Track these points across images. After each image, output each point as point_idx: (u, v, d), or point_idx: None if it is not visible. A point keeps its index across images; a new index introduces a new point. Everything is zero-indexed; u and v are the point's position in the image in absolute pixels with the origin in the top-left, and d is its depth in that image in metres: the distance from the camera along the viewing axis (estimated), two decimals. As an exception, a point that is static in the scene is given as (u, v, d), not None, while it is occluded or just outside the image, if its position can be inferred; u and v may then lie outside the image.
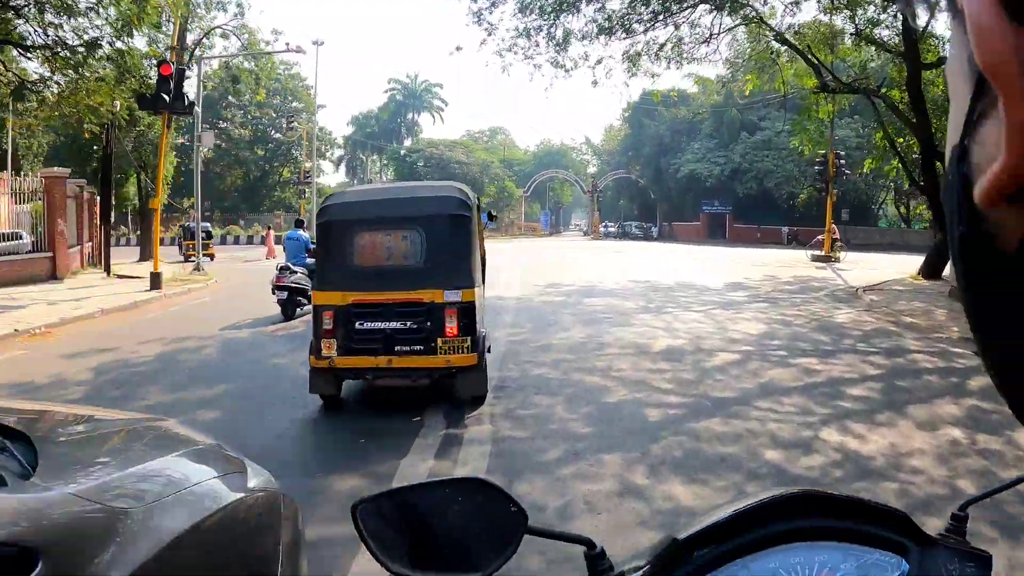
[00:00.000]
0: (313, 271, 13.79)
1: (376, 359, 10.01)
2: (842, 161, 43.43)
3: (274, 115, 78.85)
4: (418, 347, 10.00)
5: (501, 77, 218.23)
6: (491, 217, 15.75)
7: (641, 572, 1.45)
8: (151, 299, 23.15)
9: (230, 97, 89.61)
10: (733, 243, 71.27)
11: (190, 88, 36.31)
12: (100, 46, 23.07)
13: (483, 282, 11.56)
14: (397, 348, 9.98)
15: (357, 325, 10.09)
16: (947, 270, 28.16)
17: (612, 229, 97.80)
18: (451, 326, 9.91)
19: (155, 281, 24.78)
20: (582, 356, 13.82)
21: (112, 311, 20.65)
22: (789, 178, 70.34)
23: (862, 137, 63.94)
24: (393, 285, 10.22)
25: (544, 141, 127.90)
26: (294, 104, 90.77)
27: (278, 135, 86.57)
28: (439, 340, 9.90)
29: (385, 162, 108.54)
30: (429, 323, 9.95)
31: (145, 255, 37.97)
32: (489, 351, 11.06)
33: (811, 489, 1.55)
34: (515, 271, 31.20)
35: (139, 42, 27.05)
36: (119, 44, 24.17)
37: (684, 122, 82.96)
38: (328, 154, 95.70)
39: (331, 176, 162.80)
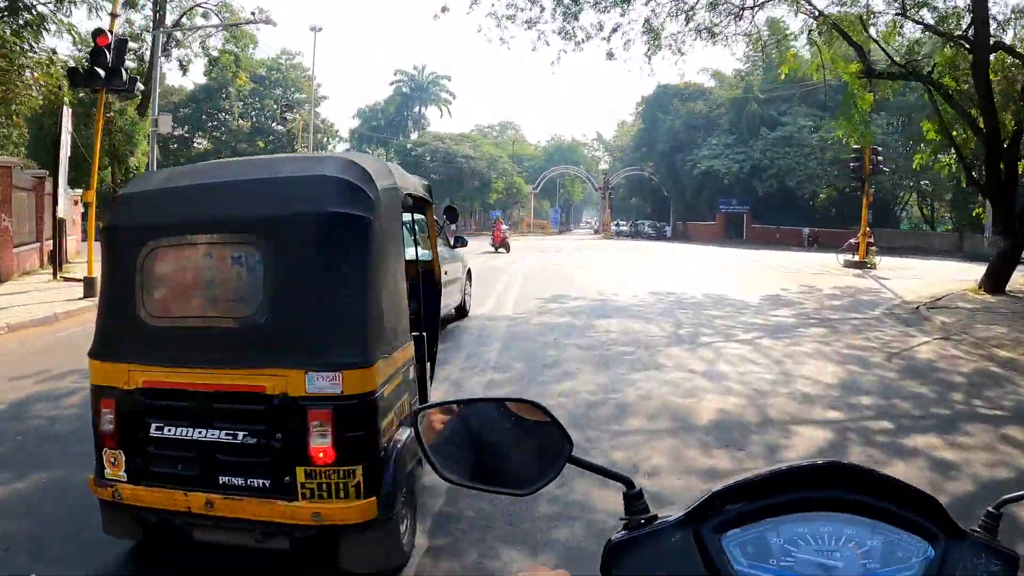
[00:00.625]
0: None
1: (187, 497, 5.12)
2: (879, 157, 39.26)
3: (275, 106, 75.12)
4: (259, 481, 5.07)
5: (511, 70, 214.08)
6: (451, 215, 11.15)
7: (675, 517, 1.49)
8: (79, 310, 18.51)
9: (231, 88, 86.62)
10: (751, 244, 67.61)
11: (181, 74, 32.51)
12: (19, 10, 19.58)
13: (436, 328, 8.30)
14: (223, 479, 5.10)
15: (153, 430, 5.20)
16: (1015, 282, 24.53)
17: (624, 228, 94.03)
18: (320, 445, 4.93)
19: (89, 288, 20.05)
20: (592, 437, 8.71)
21: (22, 327, 16.29)
22: (811, 176, 66.30)
23: (888, 134, 60.62)
24: (209, 356, 5.23)
25: (555, 136, 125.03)
26: (296, 95, 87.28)
27: (280, 127, 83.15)
28: (299, 470, 4.97)
29: (390, 156, 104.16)
30: (279, 435, 5.00)
31: (106, 256, 34.44)
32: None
33: (849, 463, 1.51)
34: (516, 278, 27.50)
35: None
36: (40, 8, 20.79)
37: (700, 117, 79.72)
38: (330, 147, 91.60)
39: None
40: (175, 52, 49.32)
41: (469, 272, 19.17)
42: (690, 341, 15.29)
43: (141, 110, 43.69)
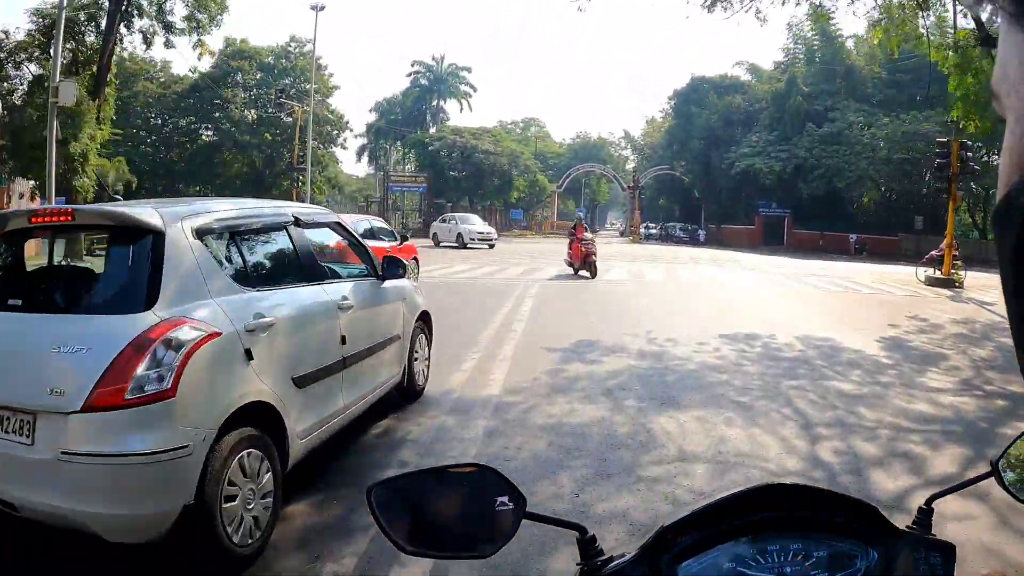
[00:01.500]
0: None
1: None
2: (968, 154, 32.01)
3: (298, 104, 68.26)
4: None
5: (536, 62, 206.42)
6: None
7: (630, 557, 1.53)
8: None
9: (239, 76, 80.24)
10: (793, 251, 60.22)
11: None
12: None
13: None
14: None
15: None
16: None
17: (654, 231, 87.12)
18: None
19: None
20: None
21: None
22: (862, 177, 59.31)
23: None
24: None
25: (580, 133, 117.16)
26: (307, 85, 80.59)
27: (289, 119, 76.39)
28: None
29: (406, 152, 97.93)
30: None
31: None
32: None
33: (787, 483, 1.57)
34: (524, 304, 19.75)
35: None
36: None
37: (739, 111, 72.88)
38: (340, 140, 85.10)
39: (353, 166, 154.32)
40: (137, 23, 42.22)
41: (425, 320, 10.56)
42: (851, 474, 7.48)
43: (95, 92, 37.40)
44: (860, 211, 63.11)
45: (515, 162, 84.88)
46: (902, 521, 1.62)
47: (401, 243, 20.16)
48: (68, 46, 37.03)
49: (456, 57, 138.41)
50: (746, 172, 66.48)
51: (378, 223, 21.36)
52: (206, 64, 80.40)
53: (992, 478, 1.71)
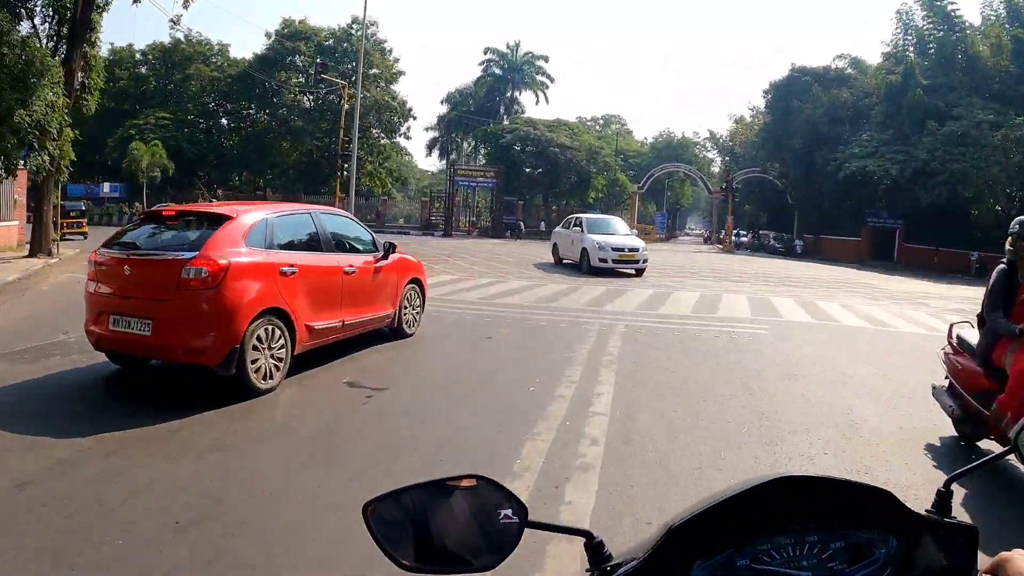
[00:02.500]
0: None
1: None
2: None
3: (344, 82, 60.81)
4: None
5: (618, 56, 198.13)
6: None
7: (639, 560, 1.49)
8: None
9: (297, 58, 73.22)
10: (903, 268, 51.70)
11: None
12: None
13: None
14: None
15: None
16: None
17: (744, 239, 77.69)
18: None
19: None
20: None
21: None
22: (993, 185, 49.93)
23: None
24: None
25: (663, 132, 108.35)
26: (371, 71, 73.50)
27: (347, 104, 69.24)
28: None
29: (476, 144, 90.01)
30: None
31: (36, 239, 29.16)
32: None
33: (797, 475, 1.52)
34: (599, 386, 10.18)
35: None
36: None
37: (845, 106, 63.71)
38: (404, 129, 77.65)
39: (424, 161, 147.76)
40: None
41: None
42: None
43: (70, 50, 30.24)
44: (978, 222, 53.93)
45: (594, 158, 76.62)
46: (921, 506, 1.58)
47: (385, 256, 11.61)
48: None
49: (532, 45, 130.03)
50: (855, 176, 57.17)
51: (341, 224, 11.52)
52: (261, 46, 75.22)
53: (1012, 455, 1.72)
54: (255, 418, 8.29)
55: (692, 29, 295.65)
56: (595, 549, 1.55)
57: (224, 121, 79.69)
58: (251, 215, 9.77)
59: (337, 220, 12.05)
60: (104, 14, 32.81)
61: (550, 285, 23.38)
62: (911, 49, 63.95)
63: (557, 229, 35.34)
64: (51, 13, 31.34)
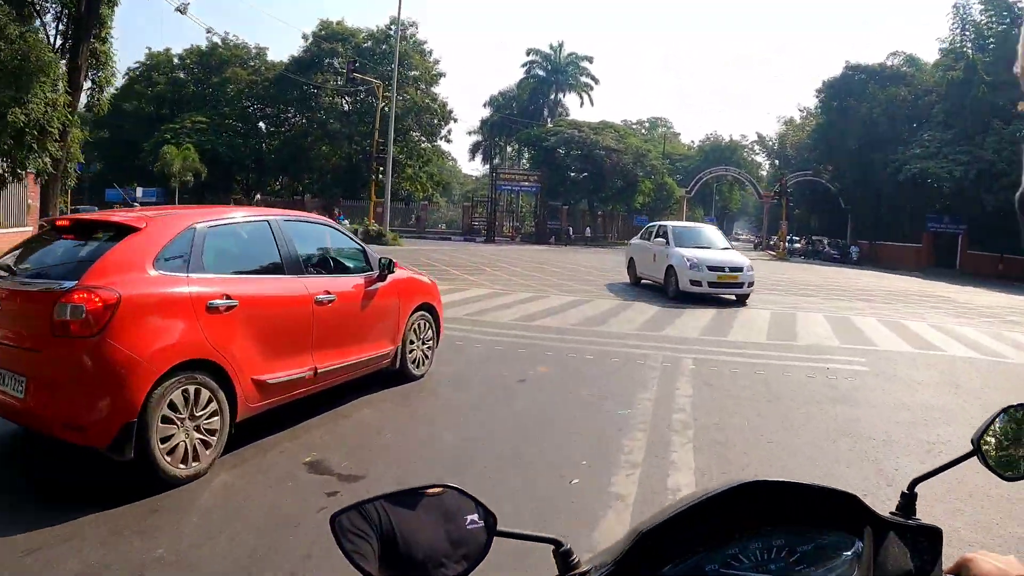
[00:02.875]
0: None
1: None
2: None
3: (378, 81, 58.13)
4: None
5: (662, 57, 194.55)
6: None
7: (607, 567, 1.47)
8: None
9: (334, 61, 70.89)
10: (969, 277, 48.07)
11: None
12: None
13: None
14: None
15: None
16: None
17: (797, 245, 73.89)
18: None
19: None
20: None
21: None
22: (1066, 187, 46.29)
23: None
24: None
25: (711, 135, 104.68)
26: (411, 72, 71.08)
27: (385, 107, 66.84)
28: None
29: (520, 148, 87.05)
30: None
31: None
32: None
33: (761, 479, 1.51)
34: (682, 438, 7.95)
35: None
36: None
37: (904, 105, 60.23)
38: (444, 132, 75.04)
39: (468, 166, 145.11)
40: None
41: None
42: None
43: (76, 45, 27.97)
44: (1042, 226, 50.23)
45: (641, 161, 73.31)
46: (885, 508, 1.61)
47: (381, 276, 8.44)
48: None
49: (576, 46, 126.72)
50: (915, 178, 53.77)
51: (314, 235, 8.27)
52: (297, 48, 73.50)
53: (974, 457, 1.74)
54: (153, 532, 5.33)
55: (735, 28, 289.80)
56: (564, 556, 1.50)
57: (262, 125, 78.13)
58: (169, 224, 6.82)
59: (310, 230, 9.01)
60: (115, 8, 30.45)
61: (596, 301, 20.50)
62: (969, 45, 60.40)
63: (634, 241, 27.71)
64: (60, 9, 28.90)
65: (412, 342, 9.94)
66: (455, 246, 51.22)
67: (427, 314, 10.35)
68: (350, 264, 9.14)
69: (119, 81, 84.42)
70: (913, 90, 61.42)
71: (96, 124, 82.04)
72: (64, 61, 27.42)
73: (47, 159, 25.28)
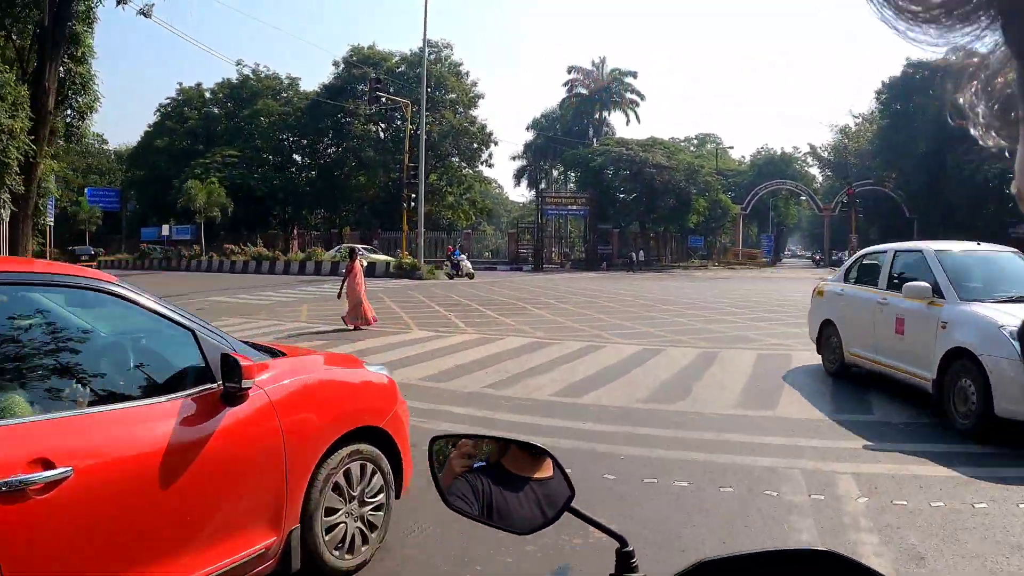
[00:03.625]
0: None
1: None
2: None
3: (406, 100, 53.22)
4: None
5: (709, 71, 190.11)
6: None
7: None
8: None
9: (366, 87, 66.79)
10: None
11: None
12: None
13: None
14: None
15: None
16: None
17: (859, 262, 67.75)
18: None
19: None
20: None
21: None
22: None
23: None
24: None
25: (763, 148, 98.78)
26: (448, 96, 66.77)
27: (430, 137, 62.59)
28: None
29: (566, 171, 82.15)
30: None
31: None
32: None
33: (845, 555, 1.33)
34: None
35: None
36: None
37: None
38: (484, 156, 70.30)
39: (514, 192, 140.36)
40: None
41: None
42: None
43: (41, 62, 23.71)
44: None
45: (693, 178, 67.78)
46: None
47: (230, 396, 3.85)
48: None
49: (618, 61, 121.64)
50: (997, 178, 48.16)
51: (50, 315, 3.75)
52: (328, 75, 70.05)
53: None
54: None
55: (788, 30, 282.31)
56: (625, 557, 1.51)
57: (297, 157, 74.67)
58: None
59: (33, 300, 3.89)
60: (94, 26, 26.27)
61: (669, 350, 15.32)
62: None
63: (832, 286, 13.42)
64: (23, 25, 24.68)
65: (333, 511, 4.76)
66: (498, 277, 46.21)
67: (369, 449, 5.08)
68: (149, 376, 4.20)
69: (151, 117, 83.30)
70: (988, 80, 55.73)
71: (132, 163, 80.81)
72: (26, 84, 23.12)
73: (5, 195, 21.00)
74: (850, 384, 11.57)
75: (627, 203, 69.35)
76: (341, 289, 19.26)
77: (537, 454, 1.67)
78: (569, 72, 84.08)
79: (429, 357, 14.13)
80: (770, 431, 8.76)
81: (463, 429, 8.78)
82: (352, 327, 18.45)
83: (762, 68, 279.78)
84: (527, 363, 13.38)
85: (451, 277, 42.67)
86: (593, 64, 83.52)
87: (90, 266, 43.83)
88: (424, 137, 45.36)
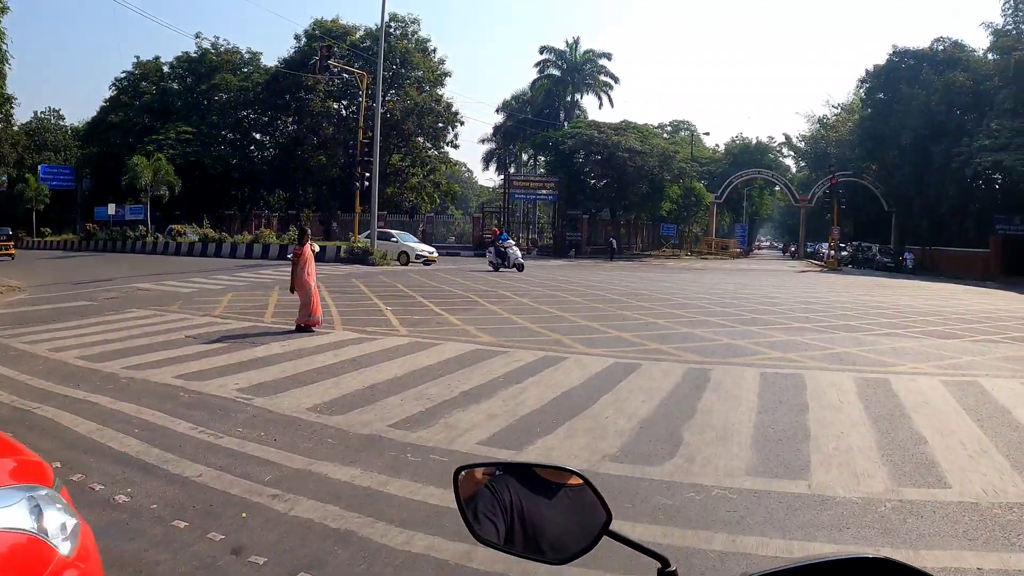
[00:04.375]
0: None
1: None
2: None
3: (361, 71, 48.90)
4: None
5: (685, 52, 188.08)
6: None
7: None
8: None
9: (332, 64, 63.38)
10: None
11: None
12: None
13: None
14: None
15: None
16: None
17: (844, 253, 65.17)
18: None
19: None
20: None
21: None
22: None
23: None
24: None
25: (737, 137, 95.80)
26: (414, 73, 63.55)
27: (392, 115, 59.11)
28: None
29: (535, 155, 79.01)
30: None
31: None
32: None
33: (891, 559, 1.36)
34: None
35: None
36: None
37: (963, 92, 52.47)
38: (450, 137, 66.89)
39: (483, 176, 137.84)
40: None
41: None
42: None
43: None
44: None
45: (667, 164, 64.54)
46: None
47: None
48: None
49: (592, 43, 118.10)
50: (986, 173, 45.74)
51: None
52: (289, 49, 66.69)
53: None
54: None
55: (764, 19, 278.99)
56: None
57: (257, 135, 71.32)
58: None
59: None
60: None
61: (646, 367, 12.08)
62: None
63: None
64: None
65: None
66: (459, 264, 42.59)
67: None
68: None
69: (106, 92, 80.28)
70: (971, 75, 53.00)
71: (85, 139, 77.00)
72: None
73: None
74: (887, 418, 8.60)
75: (598, 189, 66.40)
76: (292, 282, 15.67)
77: (568, 476, 1.62)
78: (541, 52, 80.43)
79: (337, 371, 10.83)
80: (818, 527, 5.52)
81: (334, 511, 5.58)
82: (298, 325, 15.09)
83: (740, 56, 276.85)
84: (460, 383, 10.07)
85: (496, 268, 36.14)
86: (567, 44, 79.78)
87: (6, 247, 41.74)
88: (379, 109, 41.63)
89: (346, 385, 9.89)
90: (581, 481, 1.61)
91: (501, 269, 35.39)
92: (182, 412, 8.55)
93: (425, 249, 41.79)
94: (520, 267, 35.62)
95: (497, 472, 1.68)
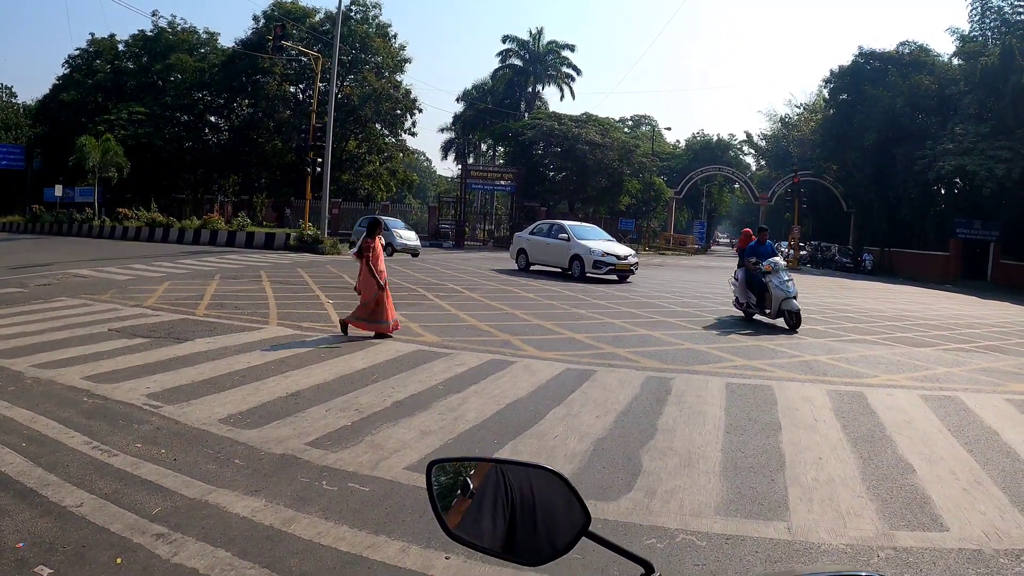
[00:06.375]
0: None
1: None
2: None
3: (315, 53, 47.42)
4: None
5: (644, 53, 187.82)
6: None
7: None
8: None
9: (287, 43, 62.06)
10: (1004, 291, 40.44)
11: None
12: None
13: None
14: None
15: None
16: None
17: (803, 252, 64.80)
18: None
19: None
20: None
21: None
22: None
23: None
24: None
25: (699, 133, 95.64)
26: (374, 58, 62.43)
27: (349, 100, 58.07)
28: None
29: (494, 144, 77.95)
30: None
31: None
32: None
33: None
34: None
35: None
36: None
37: (929, 95, 52.13)
38: (408, 124, 65.90)
39: (440, 164, 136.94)
40: None
41: None
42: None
43: None
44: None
45: (627, 158, 63.96)
46: None
47: None
48: None
49: (555, 34, 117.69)
50: (949, 177, 46.77)
51: None
52: (247, 30, 65.26)
53: None
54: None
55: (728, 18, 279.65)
56: None
57: (212, 118, 69.43)
58: None
59: None
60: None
61: (601, 374, 11.11)
62: (990, 32, 53.62)
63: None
64: None
65: None
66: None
67: None
68: None
69: (59, 69, 78.66)
70: (937, 79, 52.72)
71: (37, 118, 75.00)
72: None
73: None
74: (868, 440, 7.80)
75: (557, 181, 65.61)
76: (357, 281, 13.52)
77: (547, 476, 1.54)
78: (504, 42, 79.30)
79: (261, 374, 9.77)
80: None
81: (224, 558, 4.58)
82: (372, 332, 12.99)
83: (704, 52, 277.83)
84: (395, 391, 9.07)
85: (748, 316, 22.99)
86: (530, 34, 78.75)
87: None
88: (334, 91, 40.34)
89: (268, 391, 8.84)
90: (559, 480, 1.52)
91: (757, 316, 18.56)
92: (80, 422, 7.46)
93: (411, 238, 38.69)
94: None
95: (471, 468, 1.59)
